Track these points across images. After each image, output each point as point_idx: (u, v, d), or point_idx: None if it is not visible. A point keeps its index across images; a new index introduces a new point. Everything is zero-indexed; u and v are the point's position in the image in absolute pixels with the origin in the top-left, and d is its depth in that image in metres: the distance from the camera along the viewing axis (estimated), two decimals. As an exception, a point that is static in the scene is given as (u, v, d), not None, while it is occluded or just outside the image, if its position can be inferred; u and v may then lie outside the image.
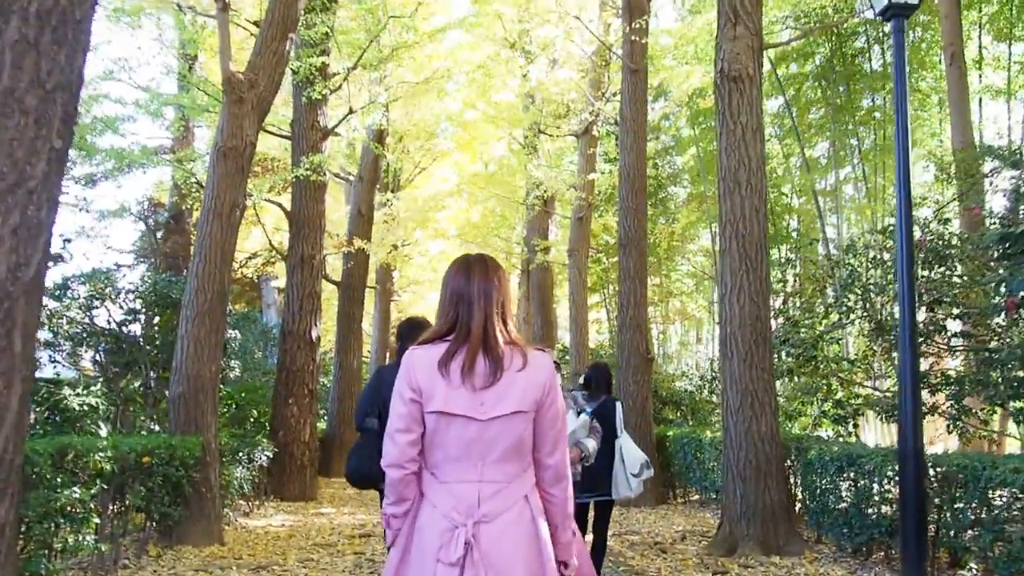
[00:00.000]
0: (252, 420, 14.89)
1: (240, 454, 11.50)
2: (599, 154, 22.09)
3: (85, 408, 10.33)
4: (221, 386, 15.75)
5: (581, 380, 7.75)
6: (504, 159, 26.65)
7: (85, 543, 6.99)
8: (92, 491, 7.12)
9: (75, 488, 6.80)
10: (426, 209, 26.48)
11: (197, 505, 9.30)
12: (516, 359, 2.93)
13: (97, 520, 7.31)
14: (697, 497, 14.65)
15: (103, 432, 10.39)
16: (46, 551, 6.68)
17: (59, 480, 6.68)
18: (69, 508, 6.73)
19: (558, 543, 3.00)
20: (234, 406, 14.83)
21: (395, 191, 26.68)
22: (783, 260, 15.85)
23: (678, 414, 18.45)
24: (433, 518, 2.85)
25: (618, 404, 7.43)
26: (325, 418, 20.76)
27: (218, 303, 9.82)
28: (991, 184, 12.49)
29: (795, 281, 14.69)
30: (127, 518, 8.50)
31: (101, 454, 7.33)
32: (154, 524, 8.95)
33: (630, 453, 7.22)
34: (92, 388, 10.62)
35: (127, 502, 8.30)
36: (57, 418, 10.25)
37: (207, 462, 9.43)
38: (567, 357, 20.95)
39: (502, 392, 2.87)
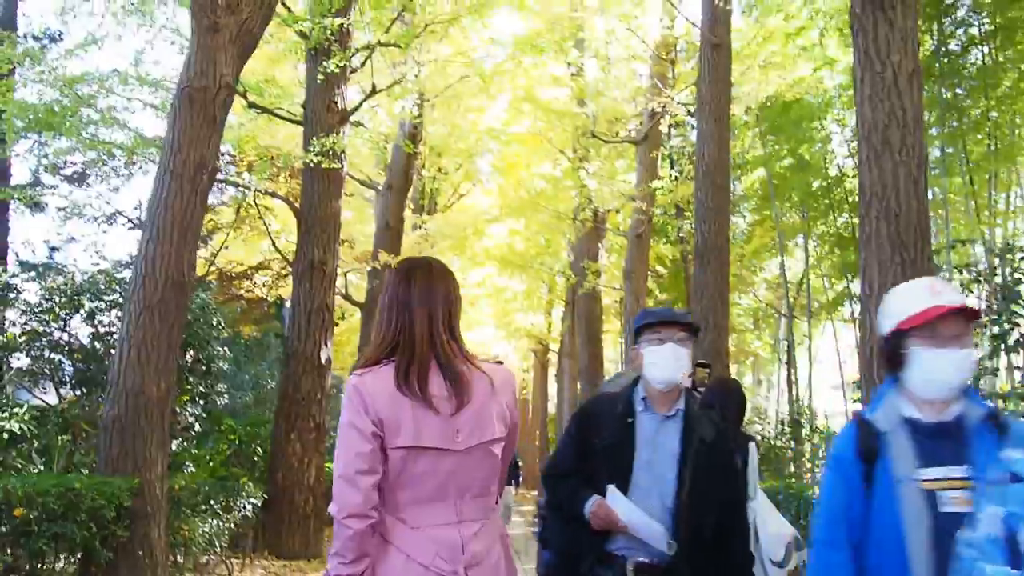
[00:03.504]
0: (256, 458, 12.54)
1: (213, 502, 8.80)
2: (661, 162, 19.36)
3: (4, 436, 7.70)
4: (230, 418, 13.51)
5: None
6: (551, 176, 24.05)
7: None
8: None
9: None
10: (463, 236, 24.21)
11: (129, 573, 6.59)
12: (481, 377, 2.67)
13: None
14: None
15: (36, 468, 7.85)
16: None
17: None
18: None
19: None
20: (237, 441, 12.52)
21: (431, 213, 24.38)
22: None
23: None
24: (407, 571, 2.49)
25: (752, 448, 4.74)
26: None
27: (174, 296, 7.23)
28: None
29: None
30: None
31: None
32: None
33: (770, 526, 4.51)
34: (16, 411, 7.98)
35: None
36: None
37: (147, 513, 6.75)
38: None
39: (478, 417, 2.62)
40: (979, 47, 16.04)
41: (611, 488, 3.26)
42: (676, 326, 3.41)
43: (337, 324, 23.37)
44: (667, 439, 3.37)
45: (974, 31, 15.95)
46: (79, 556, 6.40)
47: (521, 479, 24.36)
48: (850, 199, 23.34)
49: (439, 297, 2.70)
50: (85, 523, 5.91)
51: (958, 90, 16.42)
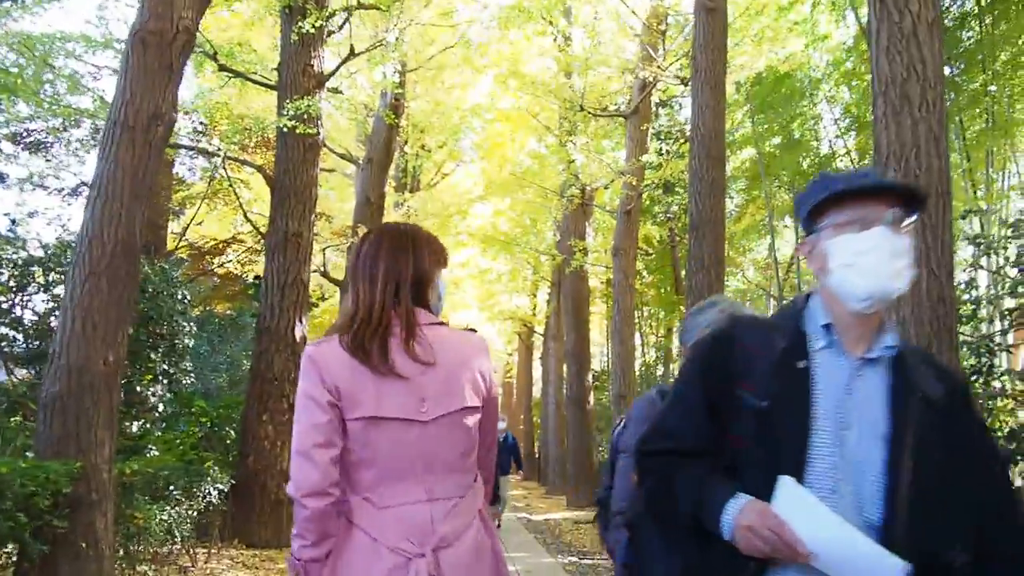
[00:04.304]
0: (228, 441, 11.97)
1: (173, 487, 8.14)
2: (650, 138, 18.69)
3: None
4: (201, 399, 12.83)
5: None
6: (537, 153, 23.38)
7: None
8: None
9: None
10: (447, 215, 23.60)
11: (70, 567, 5.92)
12: (450, 343, 2.47)
13: None
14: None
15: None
16: None
17: None
18: None
19: None
20: (209, 424, 11.97)
21: (413, 191, 23.72)
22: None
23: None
24: (374, 554, 2.29)
25: None
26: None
27: (124, 261, 6.54)
28: None
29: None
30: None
31: None
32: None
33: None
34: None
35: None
36: None
37: (91, 501, 6.08)
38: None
39: (446, 386, 2.41)
40: (975, 21, 15.54)
41: (785, 482, 1.88)
42: (889, 196, 2.04)
43: (316, 305, 22.78)
44: (868, 397, 1.99)
45: (969, 5, 15.49)
46: (17, 550, 5.75)
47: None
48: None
49: (407, 264, 2.50)
50: (11, 512, 5.21)
51: (954, 66, 15.93)
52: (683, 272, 25.86)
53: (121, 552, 7.15)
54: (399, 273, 2.48)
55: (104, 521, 6.19)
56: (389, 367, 2.33)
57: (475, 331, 2.64)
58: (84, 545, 5.96)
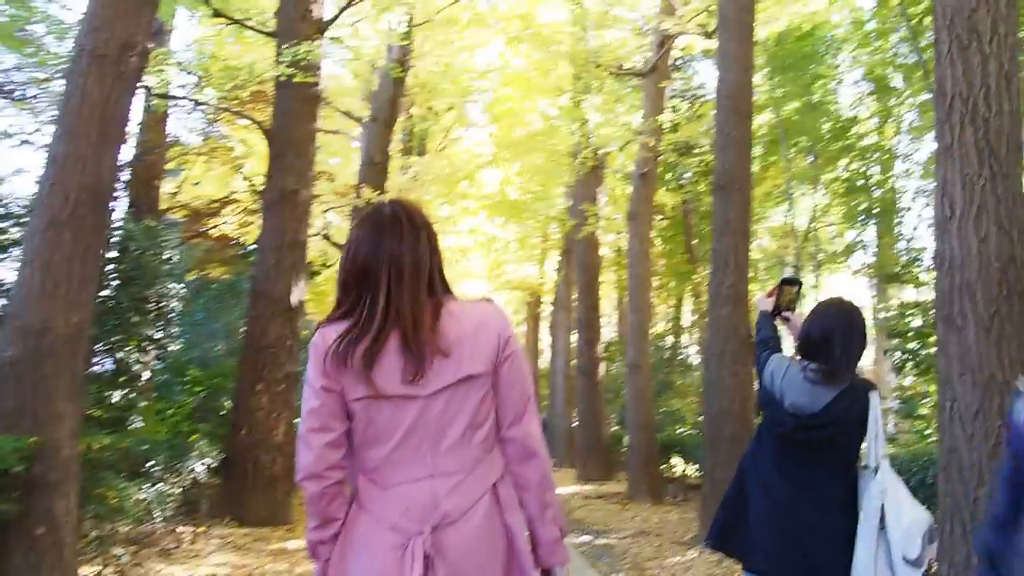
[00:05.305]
0: (223, 412, 11.44)
1: (152, 463, 7.44)
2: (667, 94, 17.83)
3: None
4: (195, 369, 12.16)
5: (795, 341, 3.84)
6: (548, 115, 22.57)
7: None
8: None
9: None
10: (454, 181, 22.84)
11: (24, 557, 5.22)
12: (455, 317, 2.37)
13: None
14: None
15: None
16: None
17: None
18: None
19: (539, 543, 2.43)
20: (203, 393, 11.58)
21: (421, 155, 22.95)
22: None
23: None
24: (375, 535, 2.28)
25: (873, 397, 3.47)
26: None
27: (91, 211, 5.80)
28: None
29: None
30: None
31: None
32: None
33: (900, 511, 3.22)
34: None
35: None
36: None
37: (49, 481, 5.37)
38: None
39: (445, 356, 2.31)
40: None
41: None
42: None
43: (319, 272, 22.06)
44: None
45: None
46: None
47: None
48: (859, 146, 22.15)
49: (407, 255, 2.37)
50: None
51: None
52: (695, 241, 25.20)
53: (92, 535, 6.47)
54: (407, 265, 2.36)
55: (65, 504, 5.48)
56: (370, 380, 2.29)
57: (490, 300, 2.54)
58: (41, 531, 5.26)
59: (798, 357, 3.64)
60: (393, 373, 2.29)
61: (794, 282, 4.15)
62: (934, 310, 6.35)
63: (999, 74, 5.86)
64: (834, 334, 3.46)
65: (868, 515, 3.27)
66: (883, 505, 3.21)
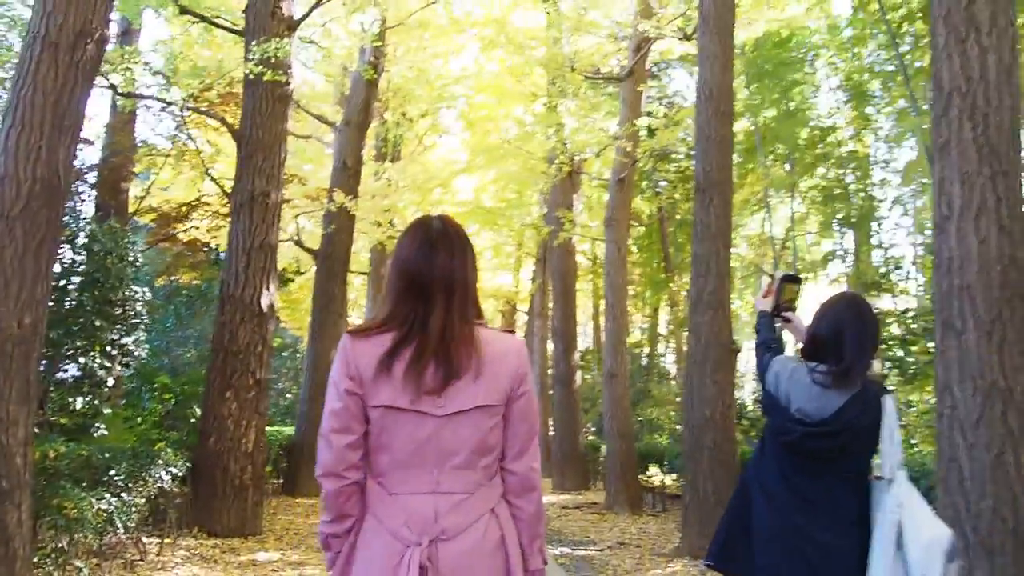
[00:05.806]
0: (193, 419, 11.10)
1: (114, 472, 7.09)
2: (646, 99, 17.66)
3: None
4: (165, 376, 11.82)
5: (799, 343, 3.57)
6: (524, 121, 22.34)
7: None
8: None
9: None
10: (428, 187, 22.53)
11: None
12: (483, 339, 2.43)
13: None
14: None
15: None
16: None
17: None
18: None
19: (526, 570, 2.48)
20: (173, 401, 11.26)
21: (394, 160, 22.65)
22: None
23: (753, 432, 14.05)
24: (380, 538, 2.36)
25: (888, 402, 3.16)
26: (292, 422, 16.57)
27: (44, 205, 5.47)
28: None
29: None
30: None
31: None
32: None
33: (918, 527, 2.97)
34: None
35: None
36: None
37: (2, 491, 5.03)
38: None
39: (466, 383, 2.38)
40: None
41: None
42: None
43: (292, 280, 21.70)
44: None
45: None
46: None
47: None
48: (836, 154, 22.08)
49: (459, 274, 2.43)
50: None
51: None
52: (672, 250, 25.05)
53: (49, 548, 6.12)
54: (455, 283, 2.42)
55: (17, 514, 5.14)
56: (403, 380, 2.34)
57: (513, 332, 2.59)
58: (-8, 545, 4.92)
59: (803, 360, 3.38)
60: (420, 388, 2.34)
61: (794, 279, 3.85)
62: (918, 317, 6.13)
63: (998, 67, 5.68)
64: (844, 331, 3.18)
65: (884, 532, 3.00)
66: (900, 520, 2.95)
